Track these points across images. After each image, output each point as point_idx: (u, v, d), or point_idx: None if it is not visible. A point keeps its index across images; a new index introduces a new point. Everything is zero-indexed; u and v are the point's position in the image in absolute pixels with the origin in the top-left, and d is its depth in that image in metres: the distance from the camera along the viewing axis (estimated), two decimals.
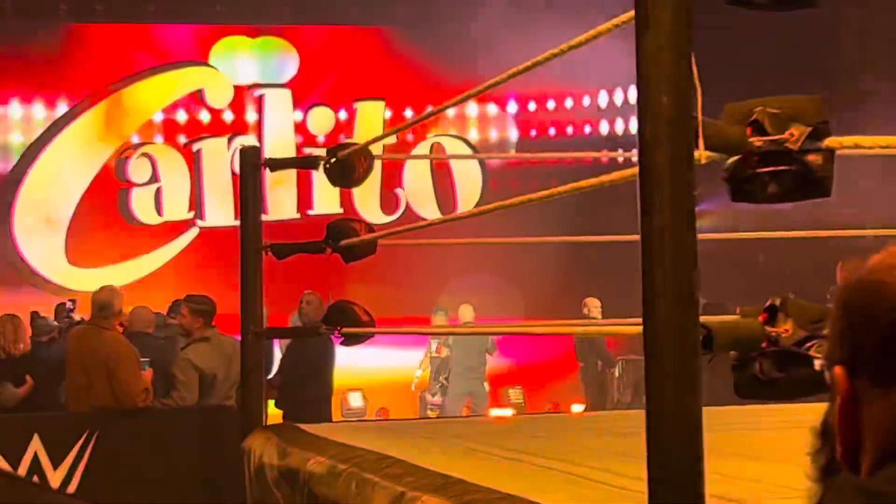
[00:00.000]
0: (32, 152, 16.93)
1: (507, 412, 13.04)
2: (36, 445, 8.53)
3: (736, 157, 2.96)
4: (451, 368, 14.82)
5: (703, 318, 2.79)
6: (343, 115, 17.89)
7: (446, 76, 17.37)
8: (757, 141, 2.90)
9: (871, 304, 1.36)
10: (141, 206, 17.08)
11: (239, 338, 6.98)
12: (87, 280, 16.12)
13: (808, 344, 2.88)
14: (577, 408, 12.05)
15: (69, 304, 12.97)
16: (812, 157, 2.88)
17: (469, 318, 14.97)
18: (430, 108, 15.46)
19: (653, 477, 2.68)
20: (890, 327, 1.33)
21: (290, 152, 16.72)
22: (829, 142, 2.92)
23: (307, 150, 16.62)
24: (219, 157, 17.27)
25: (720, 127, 2.93)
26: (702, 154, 2.79)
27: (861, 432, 1.36)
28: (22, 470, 8.38)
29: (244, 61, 17.66)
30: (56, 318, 12.58)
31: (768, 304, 2.97)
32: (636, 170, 2.77)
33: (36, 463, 8.52)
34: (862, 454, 1.36)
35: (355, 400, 15.48)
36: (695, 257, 2.70)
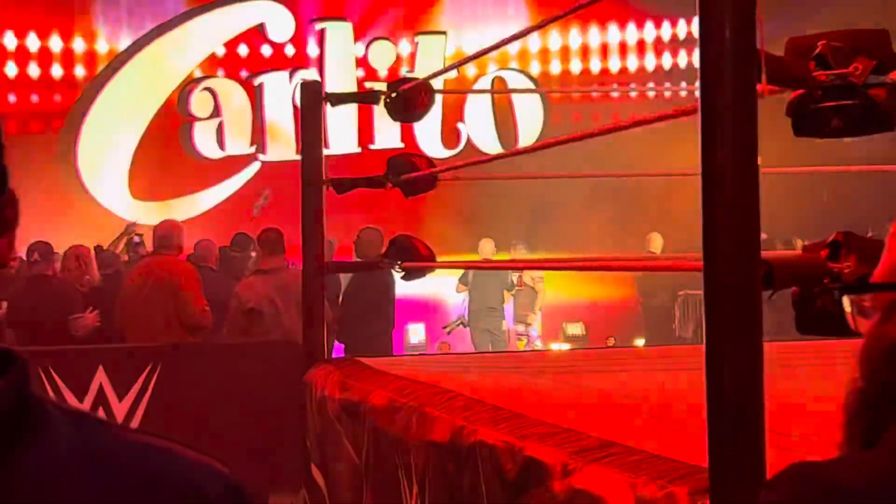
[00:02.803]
0: (96, 87, 17.02)
1: (567, 346, 13.05)
2: (101, 378, 8.64)
3: (799, 92, 2.93)
4: (470, 306, 14.82)
5: (764, 254, 2.77)
6: (404, 49, 17.84)
7: (508, 9, 17.30)
8: (820, 75, 2.87)
9: None
10: (203, 140, 17.14)
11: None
12: (149, 213, 16.25)
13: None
14: (638, 342, 12.02)
15: (136, 238, 13.09)
16: (877, 91, 2.85)
17: (489, 253, 14.98)
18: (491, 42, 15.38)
19: (712, 412, 2.68)
20: None
21: (352, 86, 16.71)
22: (895, 75, 2.88)
23: (368, 85, 16.61)
24: (280, 91, 17.28)
25: (783, 60, 2.89)
26: (764, 88, 2.76)
27: None
28: (87, 402, 8.49)
29: None
30: (126, 251, 12.71)
31: (831, 239, 2.94)
32: (698, 104, 2.75)
33: (101, 395, 8.63)
34: None
35: (417, 334, 15.55)
36: (757, 192, 2.67)
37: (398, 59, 17.76)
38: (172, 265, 9.26)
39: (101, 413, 8.32)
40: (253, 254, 11.42)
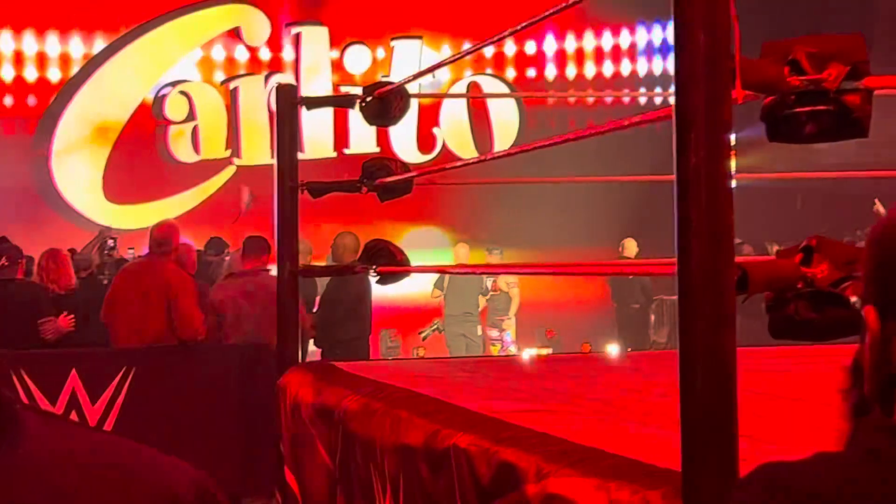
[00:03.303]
0: (70, 89, 16.97)
1: (543, 351, 13.07)
2: (74, 381, 8.61)
3: (773, 97, 2.94)
4: (446, 311, 14.81)
5: (738, 259, 2.78)
6: (380, 53, 17.84)
7: (485, 13, 17.31)
8: (794, 80, 2.88)
9: None
10: (178, 143, 17.11)
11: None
12: (123, 217, 16.21)
13: (844, 285, 2.87)
14: (612, 348, 12.03)
15: (110, 242, 13.04)
16: (850, 97, 2.85)
17: (464, 258, 14.99)
18: (466, 47, 15.37)
19: (685, 417, 2.69)
20: None
21: (327, 91, 16.71)
22: (868, 81, 2.89)
23: (344, 89, 16.60)
24: (255, 95, 17.26)
25: (757, 65, 2.90)
26: (738, 93, 2.77)
27: (892, 372, 1.35)
28: (60, 406, 8.46)
29: None
30: (99, 254, 12.66)
31: (804, 244, 2.95)
32: (672, 109, 2.75)
33: (74, 398, 8.59)
34: (893, 394, 1.35)
35: (392, 338, 15.54)
36: (730, 197, 2.68)
37: (374, 63, 17.76)
38: (169, 274, 9.19)
39: (73, 416, 8.29)
40: (227, 258, 11.39)
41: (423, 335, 15.10)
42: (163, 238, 9.33)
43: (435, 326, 14.99)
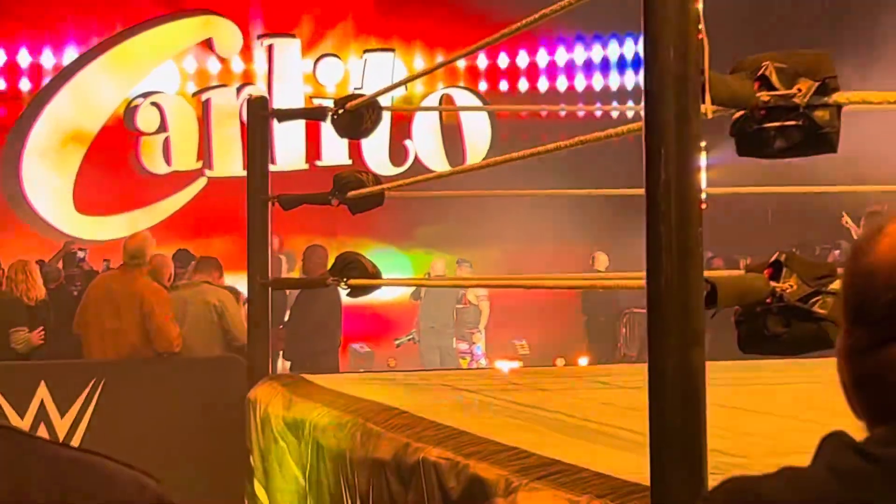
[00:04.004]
0: (41, 100, 16.90)
1: (514, 364, 13.05)
2: (42, 393, 8.55)
3: (742, 112, 2.95)
4: (422, 323, 14.79)
5: (707, 273, 2.78)
6: (353, 65, 17.83)
7: (457, 26, 17.33)
8: (764, 95, 2.89)
9: (870, 266, 1.37)
10: (149, 155, 17.06)
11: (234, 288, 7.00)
12: (94, 228, 16.16)
13: (813, 300, 2.88)
14: (582, 361, 12.02)
15: (80, 254, 12.97)
16: (819, 113, 2.87)
17: (441, 271, 14.98)
18: (439, 59, 15.38)
19: (654, 430, 2.69)
20: (886, 293, 1.35)
21: (300, 103, 16.68)
22: (837, 97, 2.90)
23: (317, 101, 16.57)
24: (228, 106, 17.23)
25: (727, 81, 2.91)
26: (708, 108, 2.78)
27: (860, 388, 1.37)
28: (28, 418, 8.40)
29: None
30: (64, 265, 12.59)
31: (773, 259, 2.96)
32: (642, 123, 2.76)
33: (42, 411, 8.54)
34: (863, 410, 1.38)
35: (362, 350, 15.52)
36: (700, 212, 2.69)
37: (346, 75, 17.75)
38: (143, 286, 9.15)
39: (42, 429, 8.25)
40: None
41: (397, 342, 15.10)
42: (136, 250, 9.30)
43: (410, 336, 14.98)
